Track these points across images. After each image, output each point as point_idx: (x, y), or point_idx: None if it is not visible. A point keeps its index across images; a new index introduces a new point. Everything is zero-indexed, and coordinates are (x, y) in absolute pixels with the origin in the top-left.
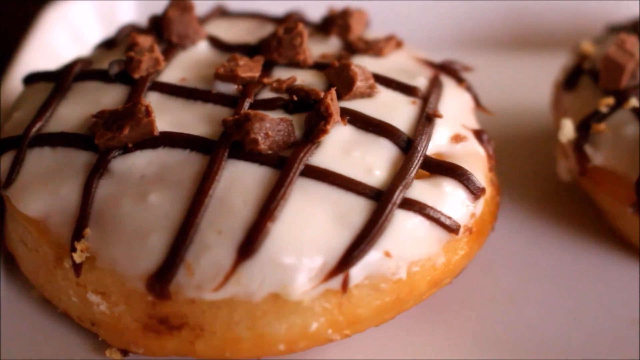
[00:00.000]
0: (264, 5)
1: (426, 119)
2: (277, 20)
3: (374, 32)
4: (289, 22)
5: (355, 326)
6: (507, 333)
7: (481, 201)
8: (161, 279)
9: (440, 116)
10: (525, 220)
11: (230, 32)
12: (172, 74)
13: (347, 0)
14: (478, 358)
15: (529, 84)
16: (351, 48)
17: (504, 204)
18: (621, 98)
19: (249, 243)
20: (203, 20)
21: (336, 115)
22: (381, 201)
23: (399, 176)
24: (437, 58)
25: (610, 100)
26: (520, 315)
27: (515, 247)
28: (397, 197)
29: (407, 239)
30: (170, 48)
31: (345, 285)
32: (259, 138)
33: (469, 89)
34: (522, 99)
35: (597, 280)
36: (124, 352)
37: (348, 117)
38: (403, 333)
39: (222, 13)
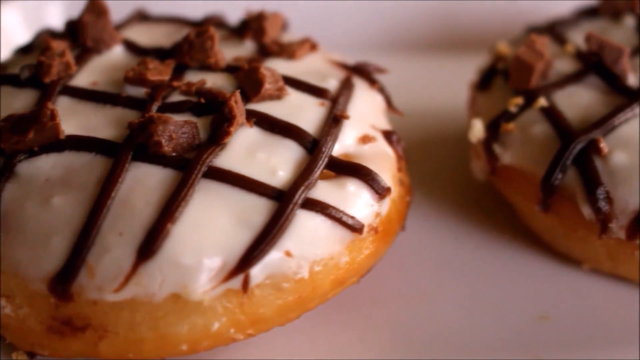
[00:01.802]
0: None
1: (333, 120)
2: (196, 24)
3: (292, 36)
4: (205, 26)
5: (259, 325)
6: (421, 331)
7: (387, 201)
8: (63, 280)
9: (347, 117)
10: (440, 219)
11: (148, 36)
12: (84, 78)
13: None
14: (392, 357)
15: (449, 85)
16: (265, 51)
17: (421, 203)
18: (530, 98)
19: (149, 244)
20: (122, 24)
21: (240, 118)
22: (282, 201)
23: (302, 177)
24: (358, 60)
25: (519, 100)
26: (433, 313)
27: (429, 246)
28: (299, 197)
29: (308, 239)
30: (85, 52)
31: (245, 285)
32: (163, 140)
33: (381, 90)
34: (442, 100)
35: (509, 277)
36: (30, 355)
37: (254, 119)
38: (316, 333)
39: (142, 17)
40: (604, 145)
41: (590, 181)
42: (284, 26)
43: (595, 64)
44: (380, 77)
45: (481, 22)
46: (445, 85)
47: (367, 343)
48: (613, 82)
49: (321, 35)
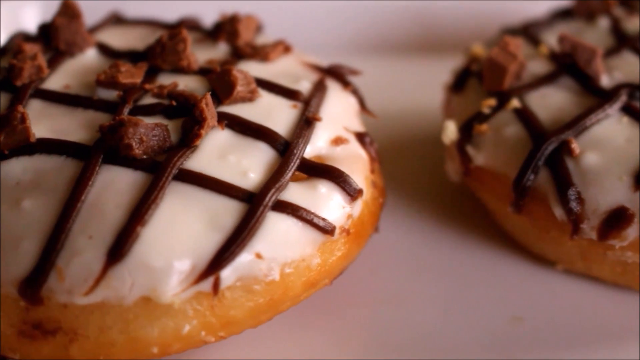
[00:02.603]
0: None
1: (305, 122)
2: (170, 27)
3: (267, 38)
4: (178, 29)
5: (230, 328)
6: (394, 333)
7: (359, 202)
8: (32, 284)
9: (319, 119)
10: (414, 221)
11: (122, 39)
12: (56, 81)
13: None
14: (366, 358)
15: (425, 87)
16: (238, 53)
17: (395, 205)
18: (503, 99)
19: (118, 247)
20: (96, 27)
21: (211, 120)
22: (253, 204)
23: (273, 179)
24: (333, 62)
25: (492, 102)
26: (407, 315)
27: (403, 248)
28: (270, 199)
29: (279, 241)
30: (58, 55)
31: (216, 287)
32: (133, 143)
33: (354, 92)
34: (418, 102)
35: (484, 279)
36: (2, 358)
37: (226, 122)
38: (289, 335)
39: (117, 20)
40: (575, 145)
41: (562, 182)
42: (259, 28)
43: (568, 65)
44: (357, 79)
45: (457, 24)
46: (421, 87)
47: (341, 345)
48: (586, 83)
49: (296, 37)
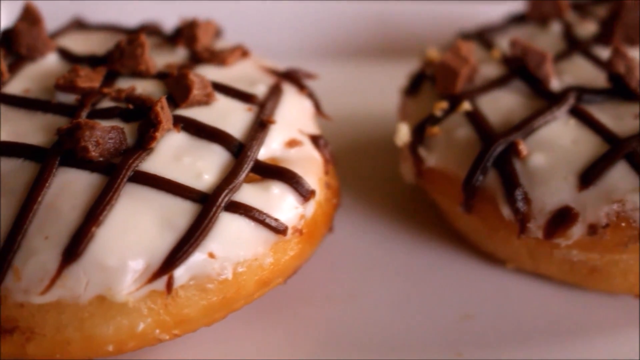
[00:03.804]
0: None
1: (260, 124)
2: (131, 32)
3: (226, 42)
4: (137, 34)
5: (184, 326)
6: (348, 331)
7: (312, 203)
8: None
9: (273, 122)
10: (369, 221)
11: (83, 44)
12: (16, 85)
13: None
14: (320, 357)
15: (382, 90)
16: (196, 58)
17: (351, 205)
18: (455, 102)
19: (74, 247)
20: (58, 32)
21: (167, 123)
22: (206, 204)
23: (226, 180)
24: (291, 66)
25: (444, 105)
26: (360, 313)
27: (357, 247)
28: (223, 200)
29: (232, 240)
30: (19, 60)
31: (169, 286)
32: (90, 146)
33: (310, 95)
34: (375, 105)
35: (436, 277)
36: None
37: (182, 124)
38: (244, 333)
39: (79, 25)
40: (523, 147)
41: (509, 182)
42: (218, 33)
43: (519, 69)
44: (315, 83)
45: (415, 29)
46: (378, 90)
47: (295, 343)
48: (536, 87)
49: (256, 41)
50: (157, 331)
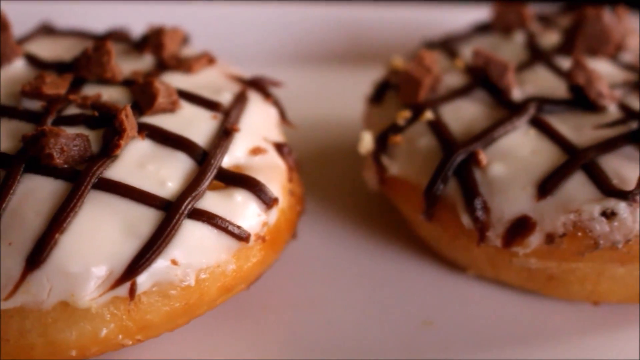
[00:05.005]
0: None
1: (224, 132)
2: (99, 38)
3: (193, 50)
4: (103, 41)
5: (147, 332)
6: (310, 337)
7: (275, 211)
8: None
9: (237, 130)
10: (332, 228)
11: (50, 49)
12: None
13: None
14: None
15: (347, 99)
16: (162, 65)
17: (314, 212)
18: (418, 111)
19: (37, 253)
20: (26, 38)
21: (131, 131)
22: (169, 212)
23: (190, 188)
24: (257, 73)
25: (407, 114)
26: (322, 320)
27: (321, 254)
28: (186, 207)
29: (194, 247)
30: None
31: (132, 292)
32: (54, 153)
33: (275, 103)
34: (340, 113)
35: (398, 284)
36: None
37: (147, 132)
38: (207, 338)
39: (47, 31)
40: (482, 157)
41: (469, 191)
42: (185, 40)
43: (481, 79)
44: (281, 90)
45: (381, 36)
46: (344, 98)
47: (257, 349)
48: (498, 96)
49: (223, 49)
50: (120, 336)
